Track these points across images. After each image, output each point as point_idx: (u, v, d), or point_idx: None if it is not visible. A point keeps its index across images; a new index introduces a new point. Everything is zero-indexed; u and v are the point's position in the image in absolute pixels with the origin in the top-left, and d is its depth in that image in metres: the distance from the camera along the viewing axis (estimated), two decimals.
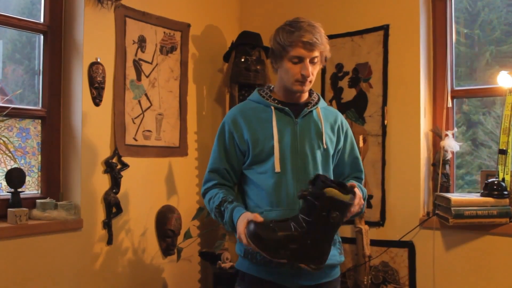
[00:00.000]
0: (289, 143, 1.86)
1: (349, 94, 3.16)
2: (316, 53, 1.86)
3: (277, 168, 1.83)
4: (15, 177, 2.48)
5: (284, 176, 1.84)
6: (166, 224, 2.99)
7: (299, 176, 1.84)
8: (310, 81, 1.89)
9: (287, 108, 1.91)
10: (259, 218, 1.68)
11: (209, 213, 2.86)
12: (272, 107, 1.91)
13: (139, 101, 2.95)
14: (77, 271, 2.62)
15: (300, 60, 1.85)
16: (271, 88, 2.01)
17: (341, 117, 2.02)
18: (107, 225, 2.75)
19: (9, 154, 2.39)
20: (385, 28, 3.02)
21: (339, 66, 3.20)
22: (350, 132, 2.03)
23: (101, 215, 2.74)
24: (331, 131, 1.94)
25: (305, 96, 1.98)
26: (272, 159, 1.85)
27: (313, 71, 1.88)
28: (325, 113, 1.97)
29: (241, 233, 1.69)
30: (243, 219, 1.71)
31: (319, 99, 2.00)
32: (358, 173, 2.02)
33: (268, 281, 1.86)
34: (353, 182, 1.82)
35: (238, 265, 1.95)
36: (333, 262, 1.88)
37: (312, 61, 1.86)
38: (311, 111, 1.93)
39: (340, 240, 1.97)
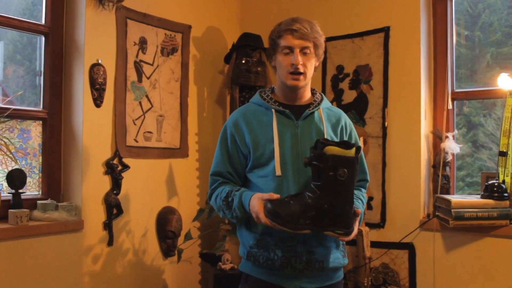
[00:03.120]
0: (289, 146, 1.84)
1: (349, 96, 3.16)
2: (307, 43, 1.84)
3: (278, 172, 1.81)
4: (16, 178, 2.48)
5: (285, 179, 1.82)
6: (166, 225, 2.99)
7: (300, 179, 1.81)
8: (304, 74, 1.86)
9: (287, 111, 1.88)
10: (274, 196, 1.69)
11: (210, 215, 2.89)
12: (273, 110, 1.89)
13: (140, 103, 2.95)
14: (78, 272, 2.62)
15: (291, 50, 1.84)
16: (273, 89, 1.99)
17: (345, 118, 1.98)
18: (107, 226, 2.75)
19: (10, 155, 2.39)
20: (386, 30, 3.02)
21: (340, 68, 3.20)
22: (354, 133, 2.00)
23: (101, 216, 2.74)
24: (333, 132, 1.91)
25: (307, 96, 1.95)
26: (272, 163, 1.83)
27: (306, 63, 1.85)
28: (327, 114, 1.94)
29: (259, 212, 1.69)
30: (258, 200, 1.71)
31: (322, 100, 1.96)
32: (362, 175, 2.00)
33: (271, 284, 1.85)
34: (358, 209, 1.78)
35: (241, 267, 1.94)
36: (337, 265, 1.88)
37: (303, 52, 1.84)
38: (313, 112, 1.91)
39: (344, 242, 1.94)
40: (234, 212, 1.82)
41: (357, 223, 1.77)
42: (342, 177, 1.63)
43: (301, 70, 1.84)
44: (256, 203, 1.72)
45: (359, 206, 1.88)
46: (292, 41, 1.83)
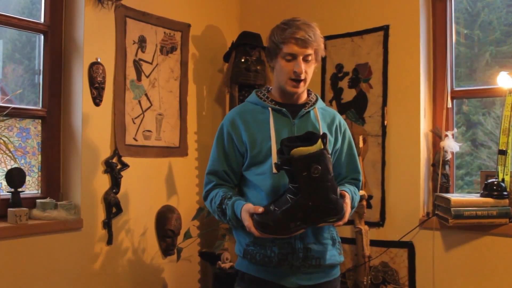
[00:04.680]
0: None
1: (349, 94, 3.16)
2: (310, 51, 1.85)
3: (275, 169, 1.83)
4: (15, 177, 2.48)
5: (282, 176, 1.82)
6: (166, 224, 2.99)
7: None
8: (305, 81, 1.88)
9: (284, 109, 1.91)
10: (259, 209, 1.71)
11: (209, 214, 2.88)
12: (270, 108, 1.91)
13: (139, 101, 2.95)
14: (77, 271, 2.62)
15: (293, 57, 1.85)
16: (269, 89, 2.01)
17: (339, 117, 2.01)
18: (107, 225, 2.75)
19: (9, 154, 2.39)
20: (385, 29, 3.02)
21: (339, 67, 3.20)
22: (348, 133, 2.02)
23: (101, 215, 2.74)
24: (328, 131, 1.93)
25: (303, 96, 1.97)
26: (269, 160, 1.84)
27: (307, 70, 1.87)
28: (322, 113, 1.97)
29: (250, 226, 1.72)
30: (246, 213, 1.74)
31: (317, 100, 1.99)
32: (355, 174, 2.02)
33: (267, 281, 1.86)
34: (343, 191, 1.81)
35: (238, 265, 1.96)
36: (333, 262, 1.89)
37: (305, 59, 1.86)
38: (309, 111, 1.93)
39: (340, 240, 1.97)
40: (230, 221, 1.86)
41: (347, 201, 1.78)
42: (316, 174, 1.64)
43: (303, 77, 1.87)
44: (245, 216, 1.75)
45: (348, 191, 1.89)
46: (296, 49, 1.84)
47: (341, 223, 1.74)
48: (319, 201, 1.66)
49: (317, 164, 1.63)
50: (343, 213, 1.72)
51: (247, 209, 1.74)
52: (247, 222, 1.73)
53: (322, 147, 1.67)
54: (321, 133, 1.72)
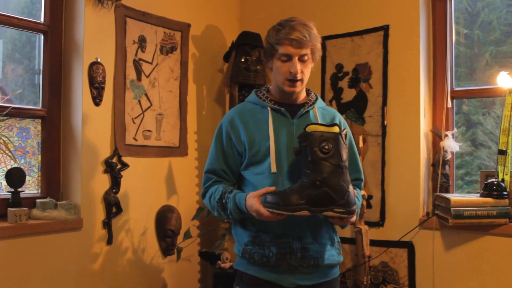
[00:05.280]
0: (285, 144, 1.86)
1: (349, 94, 3.16)
2: (305, 51, 1.85)
3: (273, 169, 1.83)
4: (15, 177, 2.48)
5: (281, 176, 1.83)
6: (166, 224, 2.99)
7: (295, 176, 1.82)
8: (302, 81, 1.88)
9: (283, 109, 1.91)
10: (270, 189, 1.73)
11: (209, 213, 2.89)
12: (269, 108, 1.92)
13: (139, 101, 2.95)
14: (77, 270, 2.62)
15: (289, 58, 1.85)
16: (269, 89, 2.02)
17: (339, 117, 2.01)
18: (107, 225, 2.75)
19: (9, 154, 2.39)
20: (385, 29, 3.02)
21: (339, 67, 3.20)
22: (348, 133, 2.02)
23: (101, 215, 2.74)
24: None
25: (302, 96, 1.97)
26: (268, 160, 1.85)
27: (304, 69, 1.87)
28: (322, 113, 1.97)
29: (259, 208, 1.70)
30: (254, 198, 1.73)
31: (316, 99, 1.99)
32: (357, 174, 2.01)
33: (266, 281, 1.86)
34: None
35: (237, 265, 1.96)
36: (332, 262, 1.88)
37: (301, 59, 1.86)
38: (308, 111, 1.93)
39: (339, 240, 1.97)
40: (231, 214, 1.84)
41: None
42: (327, 150, 1.68)
43: (299, 77, 1.87)
44: (253, 201, 1.74)
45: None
46: (291, 50, 1.84)
47: (350, 218, 1.71)
48: (327, 182, 1.66)
49: (329, 143, 1.69)
50: (353, 208, 1.70)
51: (254, 194, 1.74)
52: (256, 205, 1.71)
53: (337, 131, 1.73)
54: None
